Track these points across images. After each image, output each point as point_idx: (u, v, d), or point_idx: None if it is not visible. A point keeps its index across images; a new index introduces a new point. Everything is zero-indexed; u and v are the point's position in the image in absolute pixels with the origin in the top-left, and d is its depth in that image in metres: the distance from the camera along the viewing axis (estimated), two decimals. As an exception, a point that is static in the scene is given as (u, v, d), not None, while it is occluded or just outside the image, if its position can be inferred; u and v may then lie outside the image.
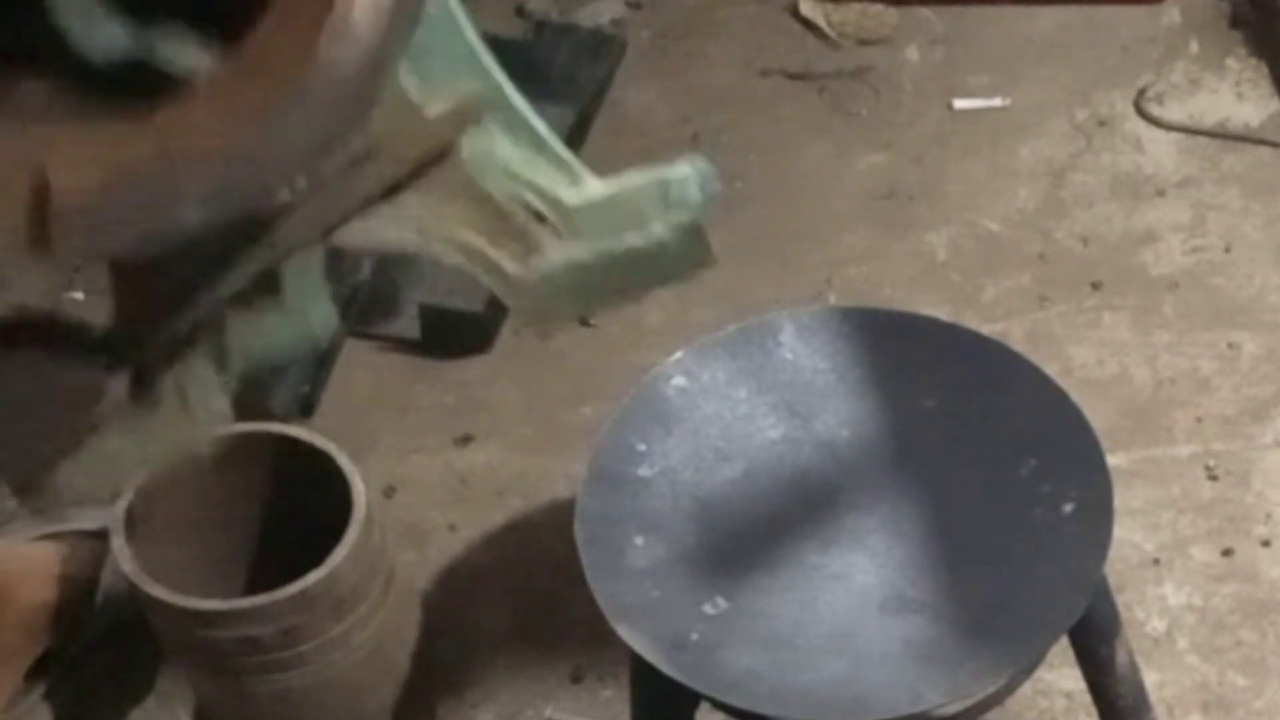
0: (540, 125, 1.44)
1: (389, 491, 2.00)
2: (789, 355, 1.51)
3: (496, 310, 2.16)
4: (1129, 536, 1.90)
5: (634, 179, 1.37)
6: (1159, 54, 2.46)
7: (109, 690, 1.83)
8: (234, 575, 1.75)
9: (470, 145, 1.32)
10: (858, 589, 1.35)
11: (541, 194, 1.37)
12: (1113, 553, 1.34)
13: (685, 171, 1.32)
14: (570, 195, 1.41)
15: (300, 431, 1.67)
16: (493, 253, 1.32)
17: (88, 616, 1.77)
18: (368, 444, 1.98)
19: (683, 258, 1.32)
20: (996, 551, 1.36)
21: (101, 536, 1.70)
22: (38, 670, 1.78)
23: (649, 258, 1.31)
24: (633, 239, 1.33)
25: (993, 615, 1.33)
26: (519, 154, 1.40)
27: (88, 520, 1.80)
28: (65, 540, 1.80)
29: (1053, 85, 2.44)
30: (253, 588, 1.63)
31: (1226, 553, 1.90)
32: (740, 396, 1.49)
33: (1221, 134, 2.35)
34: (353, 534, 1.58)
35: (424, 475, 2.03)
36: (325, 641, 1.60)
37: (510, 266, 1.32)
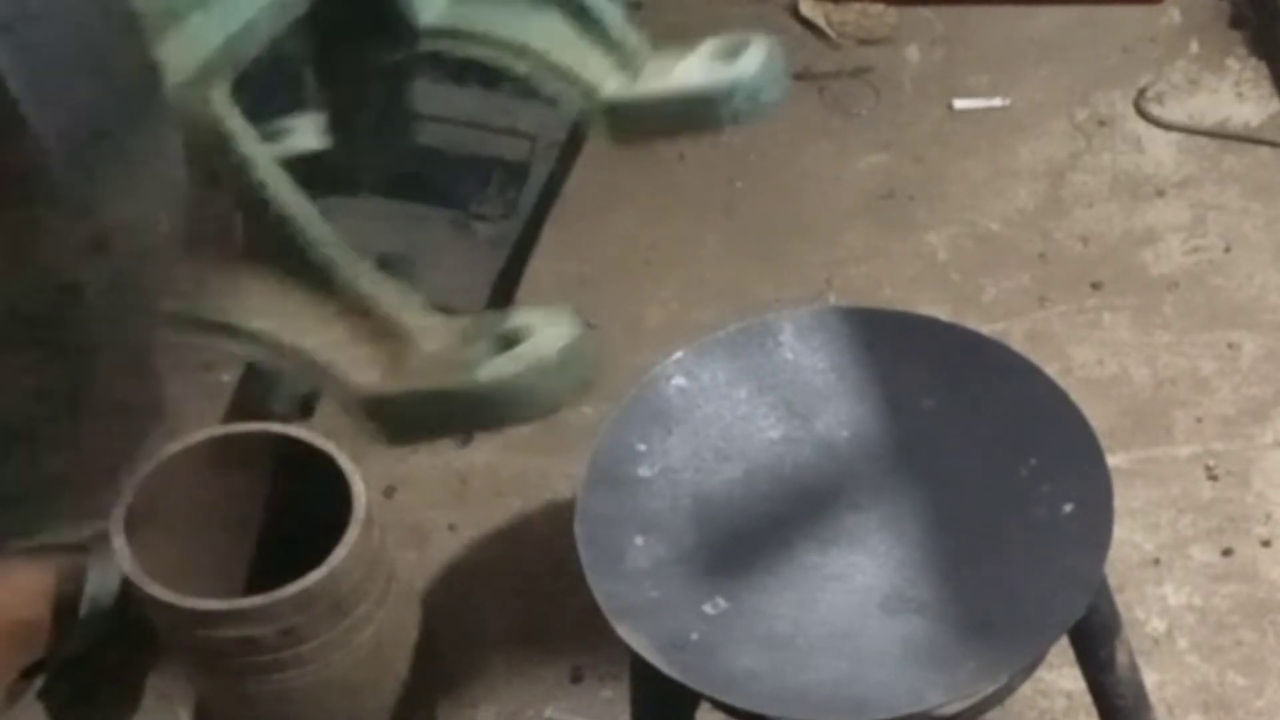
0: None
1: (389, 491, 2.00)
2: (789, 355, 1.51)
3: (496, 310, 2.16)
4: (1129, 536, 1.90)
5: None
6: (1159, 54, 2.47)
7: (104, 695, 1.83)
8: (234, 575, 1.74)
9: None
10: (858, 589, 1.35)
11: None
12: (1113, 553, 1.34)
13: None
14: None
15: (300, 431, 1.67)
16: (343, 357, 1.22)
17: (71, 631, 1.75)
18: (368, 444, 1.98)
19: (563, 381, 1.21)
20: (996, 552, 1.36)
21: (82, 549, 1.69)
22: (17, 691, 1.76)
23: (522, 386, 1.20)
24: (505, 367, 1.22)
25: (993, 615, 1.33)
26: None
27: (67, 534, 1.79)
28: (46, 555, 1.79)
29: (1053, 85, 2.44)
30: (253, 588, 1.63)
31: (1226, 553, 1.90)
32: (740, 396, 1.49)
33: (1221, 134, 2.35)
34: (353, 534, 1.57)
35: (424, 475, 2.03)
36: (325, 641, 1.60)
37: (361, 377, 1.22)
